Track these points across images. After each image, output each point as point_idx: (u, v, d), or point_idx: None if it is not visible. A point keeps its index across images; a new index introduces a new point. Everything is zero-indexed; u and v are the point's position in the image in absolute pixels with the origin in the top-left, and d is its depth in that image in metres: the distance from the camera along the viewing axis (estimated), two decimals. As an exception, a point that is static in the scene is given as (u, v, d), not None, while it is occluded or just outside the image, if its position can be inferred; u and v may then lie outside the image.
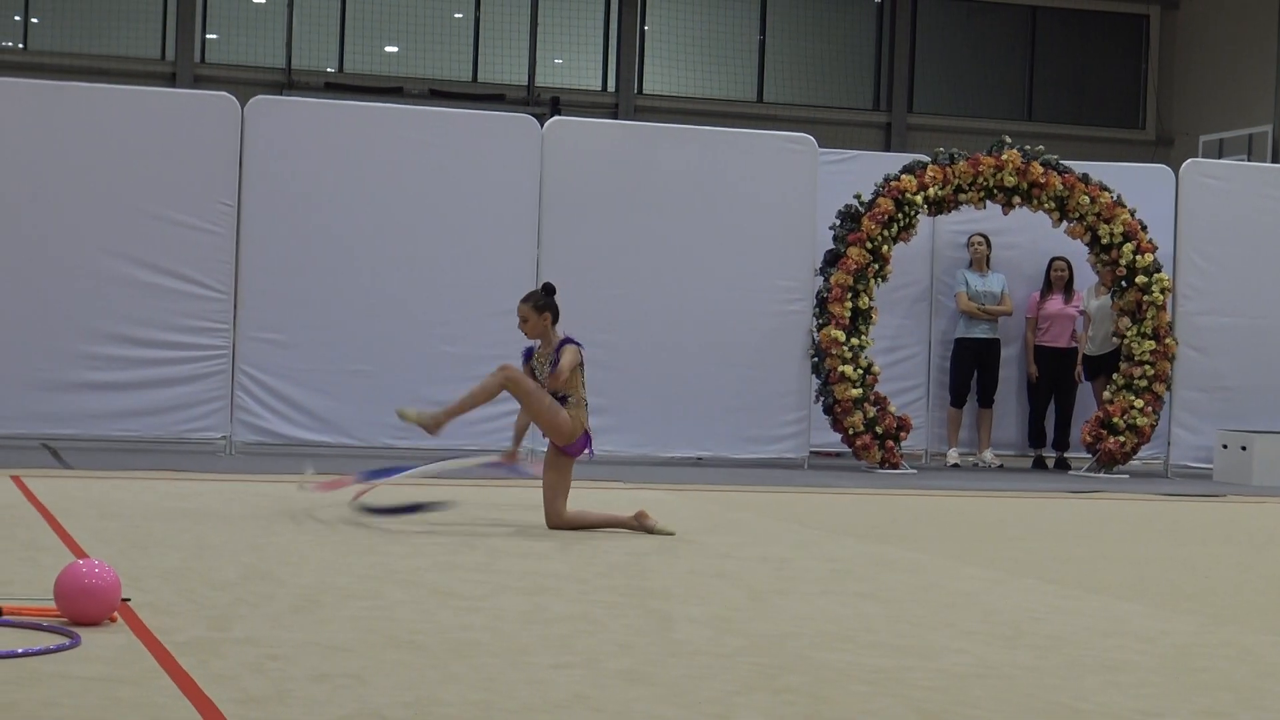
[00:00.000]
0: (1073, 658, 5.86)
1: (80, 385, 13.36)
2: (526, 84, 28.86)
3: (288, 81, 27.71)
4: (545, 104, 27.59)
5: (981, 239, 15.67)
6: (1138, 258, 15.12)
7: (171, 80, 27.16)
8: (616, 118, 27.53)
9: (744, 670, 5.38)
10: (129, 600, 6.00)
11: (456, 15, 29.16)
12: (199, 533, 8.40)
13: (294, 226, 13.83)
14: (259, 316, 13.73)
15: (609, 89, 29.65)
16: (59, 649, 5.14)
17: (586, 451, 9.25)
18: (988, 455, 15.82)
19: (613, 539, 8.91)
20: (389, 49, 28.99)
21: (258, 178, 13.75)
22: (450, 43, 29.00)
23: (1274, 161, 26.62)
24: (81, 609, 5.59)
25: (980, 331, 15.62)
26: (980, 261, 15.67)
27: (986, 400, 15.79)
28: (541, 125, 14.61)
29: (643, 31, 29.87)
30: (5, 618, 5.60)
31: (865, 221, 14.64)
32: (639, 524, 9.12)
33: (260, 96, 14.44)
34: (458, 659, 5.36)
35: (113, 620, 5.67)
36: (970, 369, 15.70)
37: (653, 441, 14.47)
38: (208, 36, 28.34)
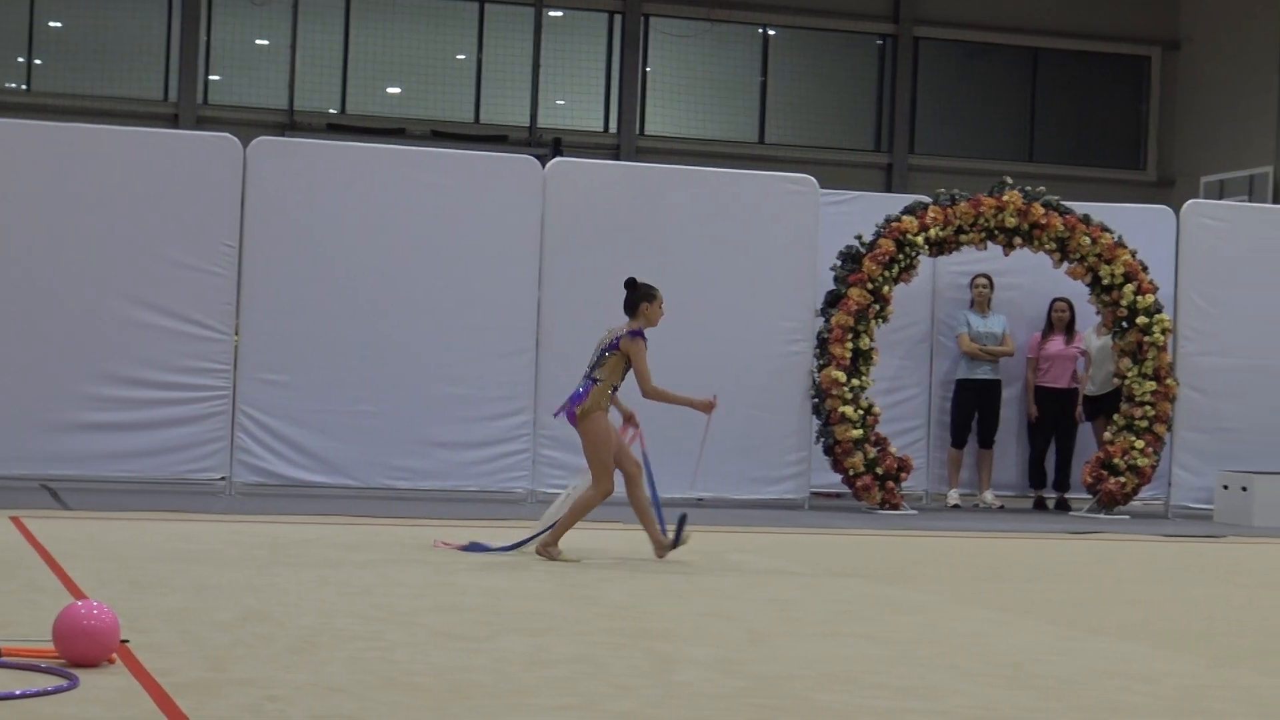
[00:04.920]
0: (1075, 699, 5.83)
1: (80, 426, 13.34)
2: (529, 125, 28.93)
3: (290, 123, 27.76)
4: (547, 145, 27.64)
5: (985, 280, 15.65)
6: (1139, 298, 15.12)
7: (174, 121, 27.23)
8: (618, 159, 27.60)
9: (745, 712, 5.35)
10: (128, 641, 5.98)
11: (459, 56, 29.24)
12: (198, 574, 8.38)
13: (296, 267, 13.82)
14: (260, 357, 13.71)
15: (611, 130, 29.71)
16: (57, 690, 5.12)
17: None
18: (988, 496, 15.79)
19: (616, 577, 8.89)
20: (391, 90, 29.06)
21: (260, 219, 13.75)
22: (452, 84, 29.07)
23: (1275, 202, 26.63)
24: (80, 650, 5.57)
25: (982, 373, 15.60)
26: (982, 303, 15.66)
27: (987, 441, 15.76)
28: (544, 166, 14.62)
29: (644, 73, 29.94)
30: (3, 659, 5.58)
31: (866, 262, 14.64)
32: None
33: (262, 138, 14.46)
34: (457, 700, 5.34)
35: (111, 662, 5.65)
36: (971, 410, 15.67)
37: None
38: (210, 78, 28.41)
